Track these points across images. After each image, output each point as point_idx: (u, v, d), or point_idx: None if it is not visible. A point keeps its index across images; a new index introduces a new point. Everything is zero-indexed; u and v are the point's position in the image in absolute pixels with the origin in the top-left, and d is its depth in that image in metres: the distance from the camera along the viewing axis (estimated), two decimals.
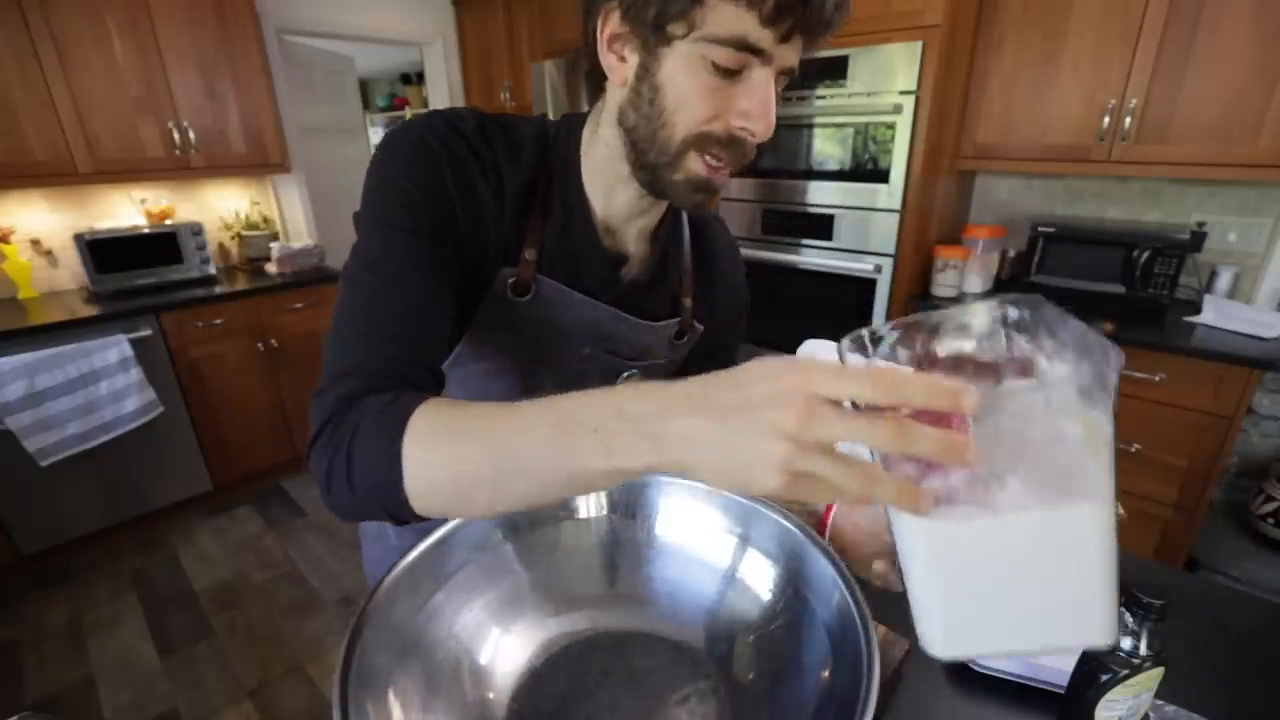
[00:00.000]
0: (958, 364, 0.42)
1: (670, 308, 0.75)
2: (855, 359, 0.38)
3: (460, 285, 0.61)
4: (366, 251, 0.56)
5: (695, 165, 0.56)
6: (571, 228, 0.65)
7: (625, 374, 0.75)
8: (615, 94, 0.57)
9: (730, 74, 0.51)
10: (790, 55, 0.51)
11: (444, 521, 0.59)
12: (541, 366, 0.71)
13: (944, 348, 0.43)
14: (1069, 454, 0.36)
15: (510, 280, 0.63)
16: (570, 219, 0.65)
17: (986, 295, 2.25)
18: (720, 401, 0.35)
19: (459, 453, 0.42)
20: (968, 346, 0.42)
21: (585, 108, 0.65)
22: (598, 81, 0.60)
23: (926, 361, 0.43)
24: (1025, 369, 0.43)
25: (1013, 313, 0.42)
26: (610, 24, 0.54)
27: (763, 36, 0.49)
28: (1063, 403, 0.38)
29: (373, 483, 0.45)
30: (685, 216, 0.75)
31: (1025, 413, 0.38)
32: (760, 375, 0.34)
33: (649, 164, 0.57)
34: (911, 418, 0.34)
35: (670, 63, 0.52)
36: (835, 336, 0.71)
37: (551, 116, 0.67)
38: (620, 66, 0.55)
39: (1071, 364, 0.38)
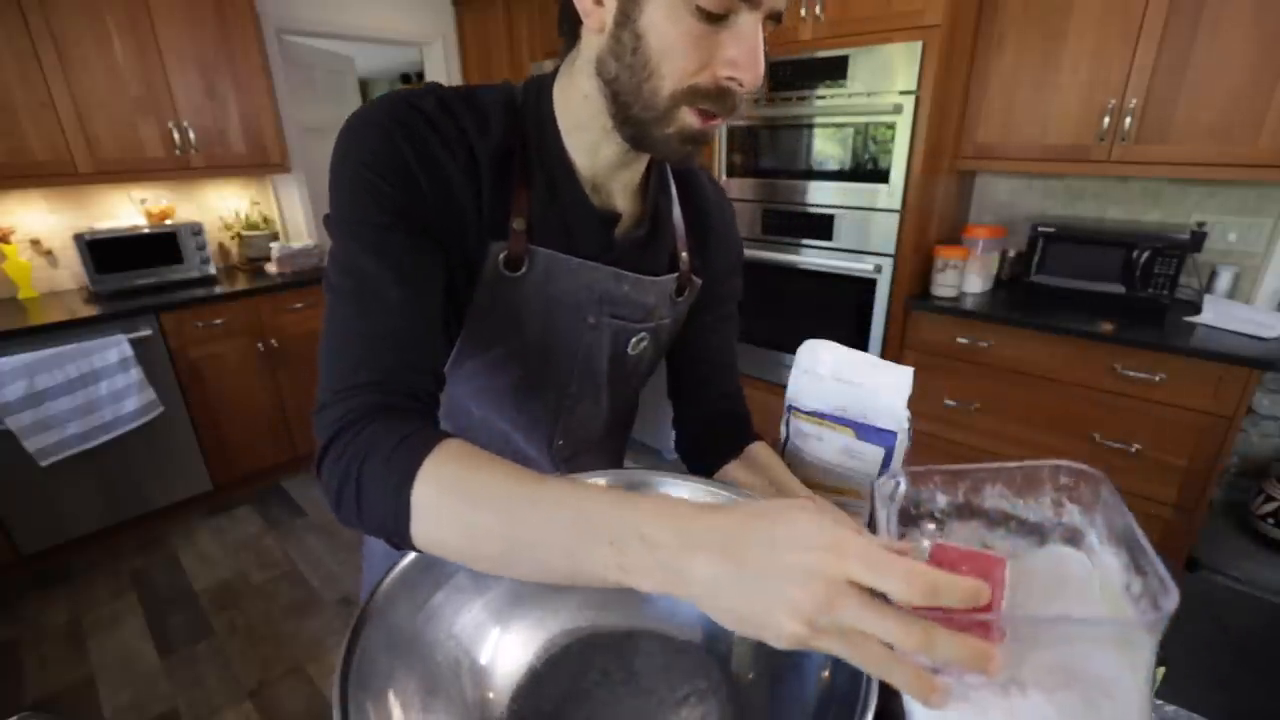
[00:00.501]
0: (1001, 519, 0.44)
1: (668, 263, 0.72)
2: (886, 514, 0.38)
3: (446, 271, 0.59)
4: (341, 255, 0.54)
5: (688, 118, 0.53)
6: (557, 191, 0.62)
7: (635, 338, 0.73)
8: (592, 40, 0.54)
9: (716, 19, 0.48)
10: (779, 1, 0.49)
11: None
12: (552, 343, 0.68)
13: (989, 500, 0.44)
14: (1104, 665, 0.34)
15: (501, 255, 0.60)
16: (555, 181, 0.61)
17: (986, 295, 2.25)
18: (749, 557, 0.34)
19: (471, 522, 0.43)
20: (1011, 506, 0.43)
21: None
22: (572, 27, 0.56)
23: (967, 510, 0.45)
24: (1072, 537, 0.43)
25: (1068, 479, 0.42)
26: None
27: None
28: (1107, 590, 0.38)
29: (380, 520, 0.46)
30: (669, 168, 0.72)
31: (1063, 607, 0.38)
32: (796, 540, 0.33)
33: (634, 118, 0.54)
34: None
35: (652, 8, 0.49)
36: (835, 336, 0.71)
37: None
38: (597, 10, 0.52)
39: (1124, 563, 0.37)
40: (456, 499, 0.43)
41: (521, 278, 0.62)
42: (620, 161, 0.62)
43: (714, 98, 0.51)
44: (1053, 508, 0.44)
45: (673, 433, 0.90)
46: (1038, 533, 0.44)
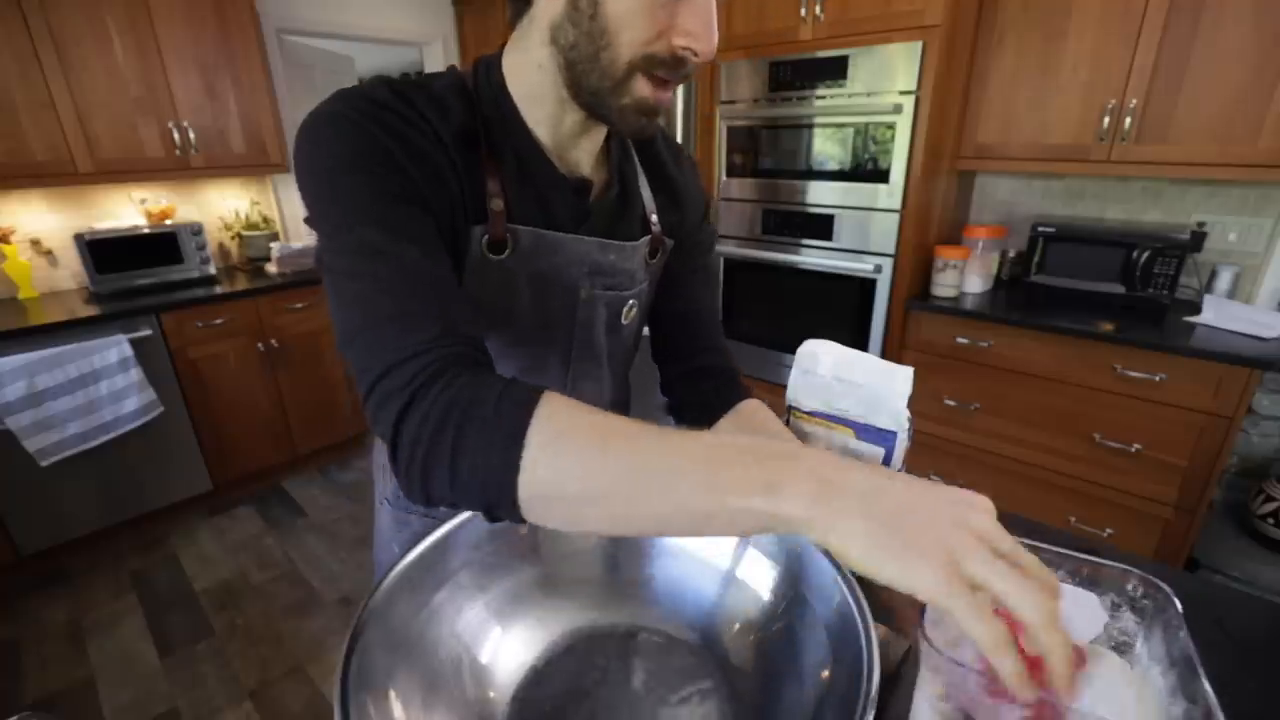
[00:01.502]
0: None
1: (641, 227, 0.73)
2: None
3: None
4: (344, 238, 0.49)
5: (642, 88, 0.53)
6: (528, 167, 0.61)
7: (626, 306, 0.73)
8: (547, 8, 0.54)
9: None
10: None
11: (445, 521, 0.59)
12: (549, 322, 0.68)
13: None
14: None
15: (484, 239, 0.60)
16: (523, 158, 0.61)
17: (986, 295, 2.25)
18: (902, 486, 0.34)
19: (595, 466, 0.38)
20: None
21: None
22: None
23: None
24: (1119, 645, 0.43)
25: (1135, 587, 0.42)
26: None
27: None
28: (1145, 705, 0.39)
29: (482, 485, 0.41)
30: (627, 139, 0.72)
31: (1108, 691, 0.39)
32: (945, 493, 0.35)
33: (591, 87, 0.54)
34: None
35: None
36: (835, 336, 0.71)
37: None
38: None
39: (1172, 685, 0.38)
40: (579, 439, 0.39)
41: (506, 258, 0.62)
42: (581, 129, 0.62)
43: (669, 65, 0.52)
44: (1109, 609, 0.44)
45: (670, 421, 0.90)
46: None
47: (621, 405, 0.88)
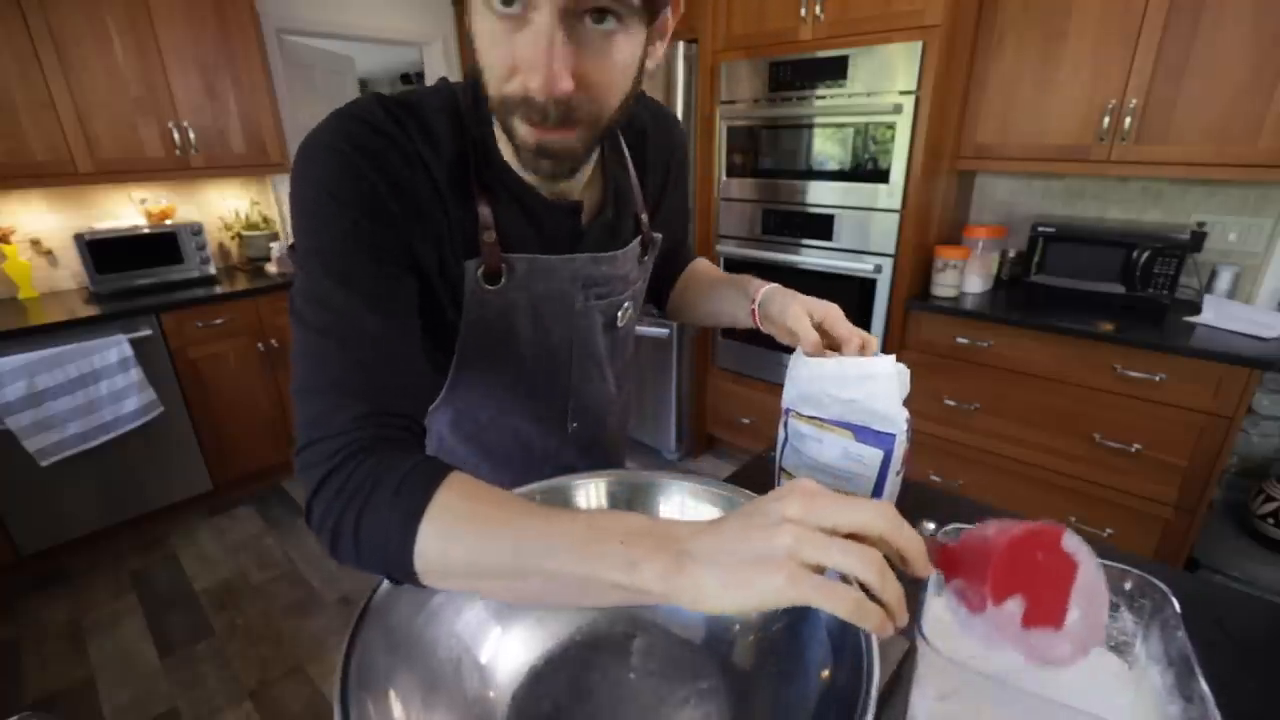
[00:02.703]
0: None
1: (631, 229, 0.73)
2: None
3: (424, 294, 0.58)
4: (312, 287, 0.51)
5: (521, 130, 0.50)
6: (517, 195, 0.61)
7: (620, 313, 0.75)
8: None
9: (515, 17, 0.45)
10: None
11: None
12: (547, 337, 0.69)
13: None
14: None
15: (479, 270, 0.60)
16: (511, 187, 0.60)
17: (986, 295, 2.25)
18: (730, 525, 0.38)
19: (481, 547, 0.42)
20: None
21: None
22: None
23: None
24: (1117, 645, 0.43)
25: (1134, 587, 0.43)
26: None
27: None
28: (1141, 704, 0.40)
29: (382, 558, 0.44)
30: (619, 134, 0.70)
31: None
32: (764, 503, 0.38)
33: (504, 132, 0.53)
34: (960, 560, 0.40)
35: (472, 16, 0.47)
36: None
37: None
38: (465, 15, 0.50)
39: (1170, 685, 0.39)
40: (467, 527, 0.42)
41: (502, 287, 0.62)
42: None
43: (523, 107, 0.48)
44: (1108, 609, 0.44)
45: (673, 433, 0.92)
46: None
47: (625, 403, 0.89)
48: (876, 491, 0.68)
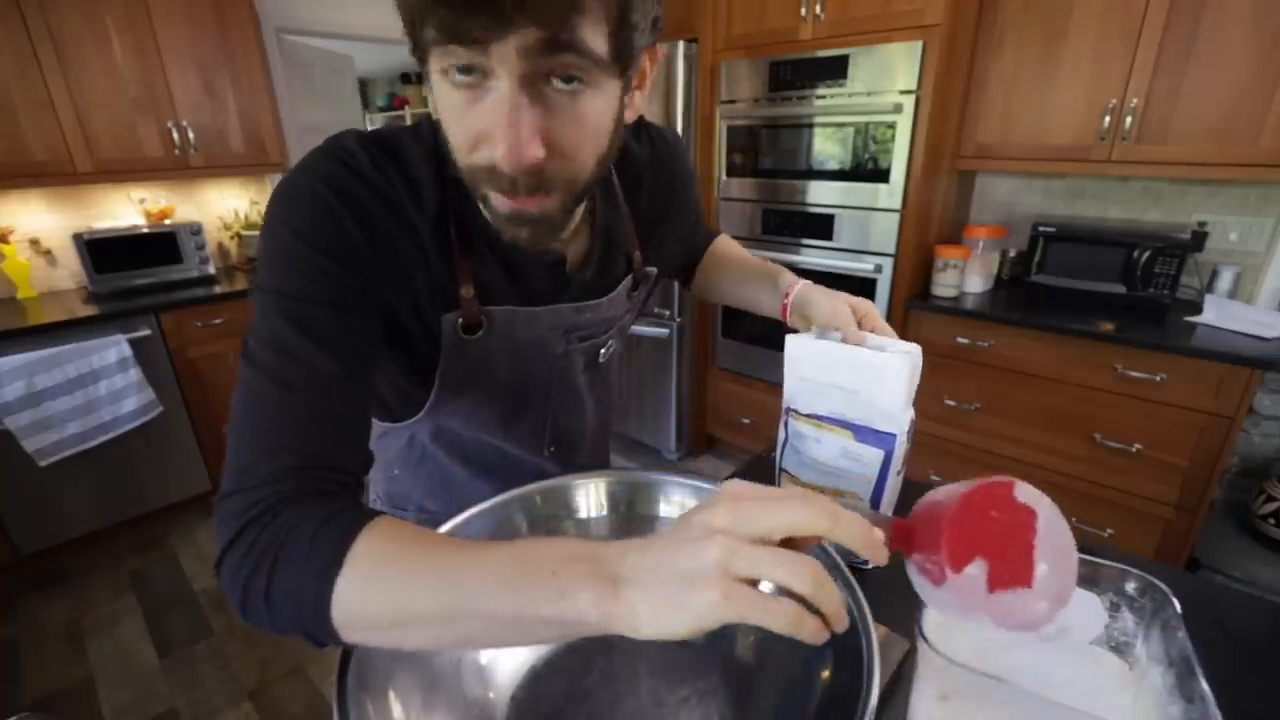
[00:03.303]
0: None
1: (621, 270, 0.71)
2: None
3: (400, 339, 0.57)
4: (267, 330, 0.48)
5: (494, 200, 0.48)
6: (498, 250, 0.59)
7: (603, 351, 0.74)
8: None
9: (475, 86, 0.43)
10: (523, 38, 0.39)
11: (445, 521, 0.59)
12: (525, 380, 0.69)
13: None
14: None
15: (458, 322, 0.59)
16: (493, 242, 0.58)
17: (987, 295, 2.25)
18: (659, 544, 0.36)
19: (405, 590, 0.39)
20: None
21: None
22: None
23: None
24: (1118, 646, 0.43)
25: (1134, 588, 0.42)
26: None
27: (424, 25, 0.42)
28: (1142, 705, 0.40)
29: (296, 615, 0.41)
30: (614, 173, 0.67)
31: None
32: (693, 516, 0.36)
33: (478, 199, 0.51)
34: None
35: (433, 88, 0.46)
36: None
37: None
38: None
39: (1170, 685, 0.39)
40: (391, 570, 0.40)
41: (481, 337, 0.61)
42: None
43: (490, 178, 0.46)
44: (1108, 609, 0.45)
45: (673, 433, 0.92)
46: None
47: (605, 419, 0.88)
48: (876, 492, 0.67)
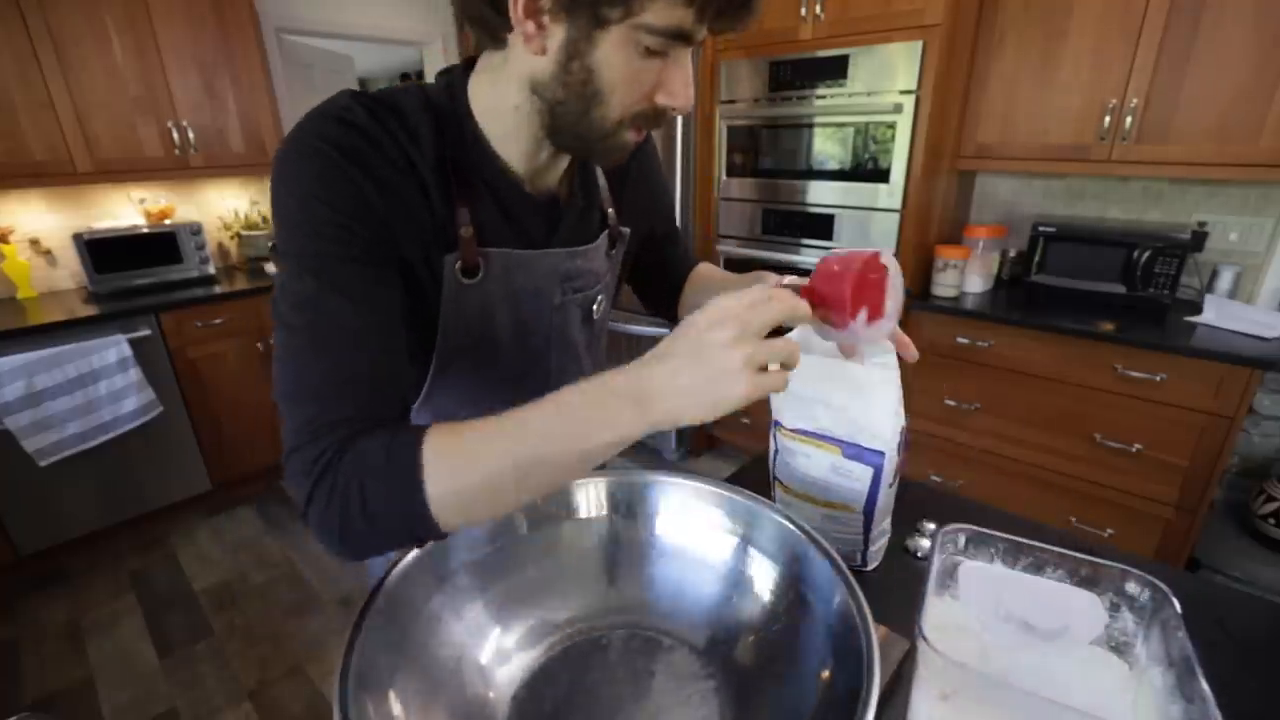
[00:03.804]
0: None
1: (601, 223, 0.76)
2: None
3: (410, 291, 0.59)
4: (295, 289, 0.52)
5: (627, 136, 0.58)
6: (497, 192, 0.63)
7: (595, 307, 0.77)
8: (528, 60, 0.54)
9: (657, 54, 0.53)
10: (706, 31, 0.53)
11: None
12: (525, 330, 0.71)
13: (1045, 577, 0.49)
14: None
15: (456, 264, 0.61)
16: (492, 184, 0.63)
17: (987, 295, 2.24)
18: (687, 341, 0.44)
19: (485, 460, 0.46)
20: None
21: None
22: (493, 30, 0.55)
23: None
24: (1118, 646, 0.44)
25: (1135, 588, 0.43)
26: (557, 12, 0.50)
27: (696, 25, 0.51)
28: (1143, 705, 0.40)
29: (399, 521, 0.46)
30: None
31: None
32: (703, 315, 0.45)
33: (578, 135, 0.58)
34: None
35: (605, 46, 0.51)
36: None
37: None
38: (538, 35, 0.52)
39: (1170, 686, 0.39)
40: (466, 458, 0.46)
41: (480, 281, 0.63)
42: (553, 158, 0.65)
43: (652, 118, 0.58)
44: (1108, 609, 0.45)
45: (673, 433, 0.92)
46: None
47: None
48: (869, 505, 0.66)
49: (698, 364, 0.43)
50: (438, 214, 0.60)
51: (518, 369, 0.73)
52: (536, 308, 0.70)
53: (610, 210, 0.76)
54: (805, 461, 0.68)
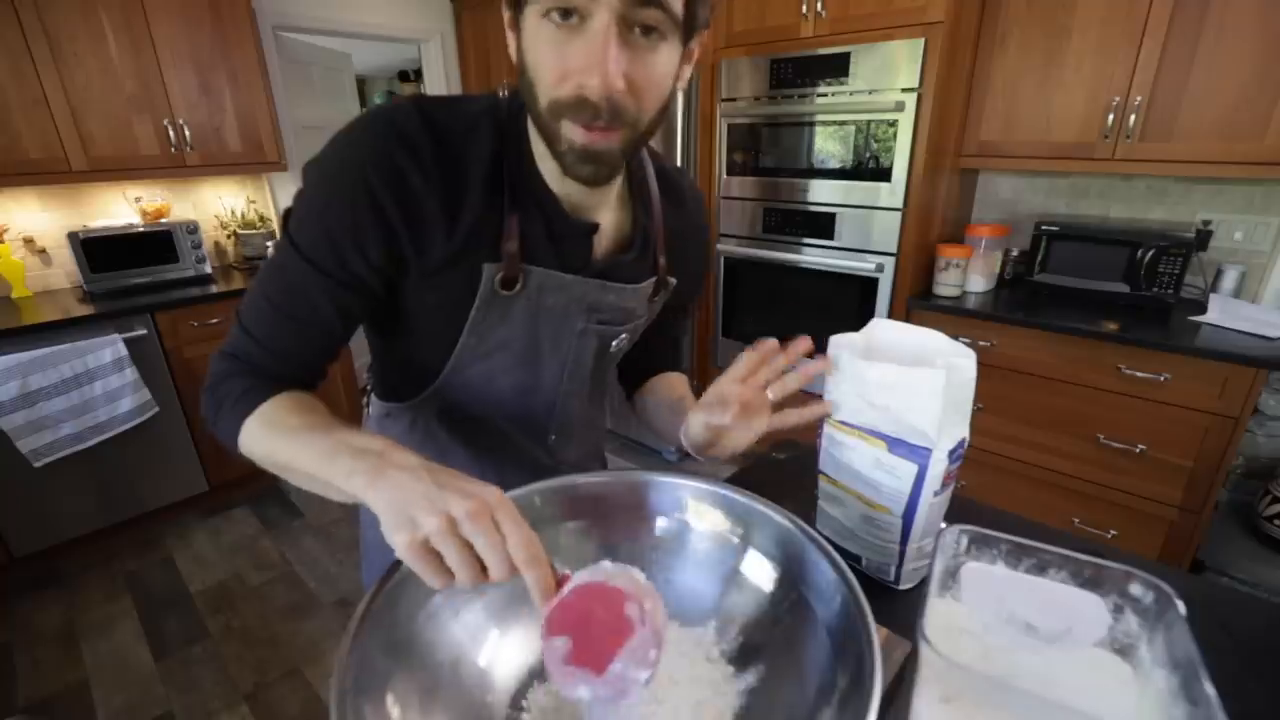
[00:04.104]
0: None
1: (649, 267, 0.75)
2: None
3: (435, 294, 0.64)
4: (275, 255, 0.61)
5: (571, 132, 0.54)
6: (543, 211, 0.64)
7: (615, 343, 0.77)
8: None
9: (568, 22, 0.49)
10: (619, 3, 0.48)
11: None
12: (543, 348, 0.72)
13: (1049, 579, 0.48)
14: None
15: (498, 276, 0.63)
16: (538, 202, 0.64)
17: (989, 294, 2.24)
18: (430, 481, 0.45)
19: (268, 448, 0.57)
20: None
21: None
22: None
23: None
24: (1122, 648, 0.43)
25: (1139, 590, 0.42)
26: (505, 9, 0.55)
27: None
28: (1146, 708, 0.40)
29: (224, 439, 0.61)
30: (650, 171, 0.74)
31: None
32: (450, 484, 0.45)
33: (544, 140, 0.57)
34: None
35: (525, 30, 0.52)
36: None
37: None
38: (512, 37, 0.55)
39: (1175, 689, 0.39)
40: (263, 433, 0.58)
41: (515, 294, 0.65)
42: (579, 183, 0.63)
43: (574, 108, 0.52)
44: (1111, 611, 0.44)
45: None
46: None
47: (590, 423, 0.91)
48: (909, 510, 0.64)
49: (418, 494, 0.44)
50: (482, 222, 0.61)
51: (529, 383, 0.74)
52: (559, 329, 0.71)
53: (662, 259, 0.76)
54: (850, 454, 0.68)
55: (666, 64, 0.54)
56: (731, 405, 0.65)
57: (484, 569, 0.43)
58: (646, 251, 0.74)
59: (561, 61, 0.51)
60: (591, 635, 0.44)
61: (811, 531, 0.56)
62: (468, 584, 0.43)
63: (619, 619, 0.44)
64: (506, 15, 0.55)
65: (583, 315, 0.71)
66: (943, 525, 0.61)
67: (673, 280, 0.79)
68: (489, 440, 0.79)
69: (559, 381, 0.76)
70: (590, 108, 0.51)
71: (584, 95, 0.51)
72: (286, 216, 0.60)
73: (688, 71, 0.59)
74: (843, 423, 0.68)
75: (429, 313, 0.66)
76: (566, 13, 0.49)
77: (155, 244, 2.50)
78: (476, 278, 0.63)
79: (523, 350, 0.71)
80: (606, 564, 0.47)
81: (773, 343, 0.67)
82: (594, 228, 0.68)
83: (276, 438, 0.57)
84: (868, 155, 2.16)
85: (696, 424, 0.70)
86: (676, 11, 0.51)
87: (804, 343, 0.66)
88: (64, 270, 2.55)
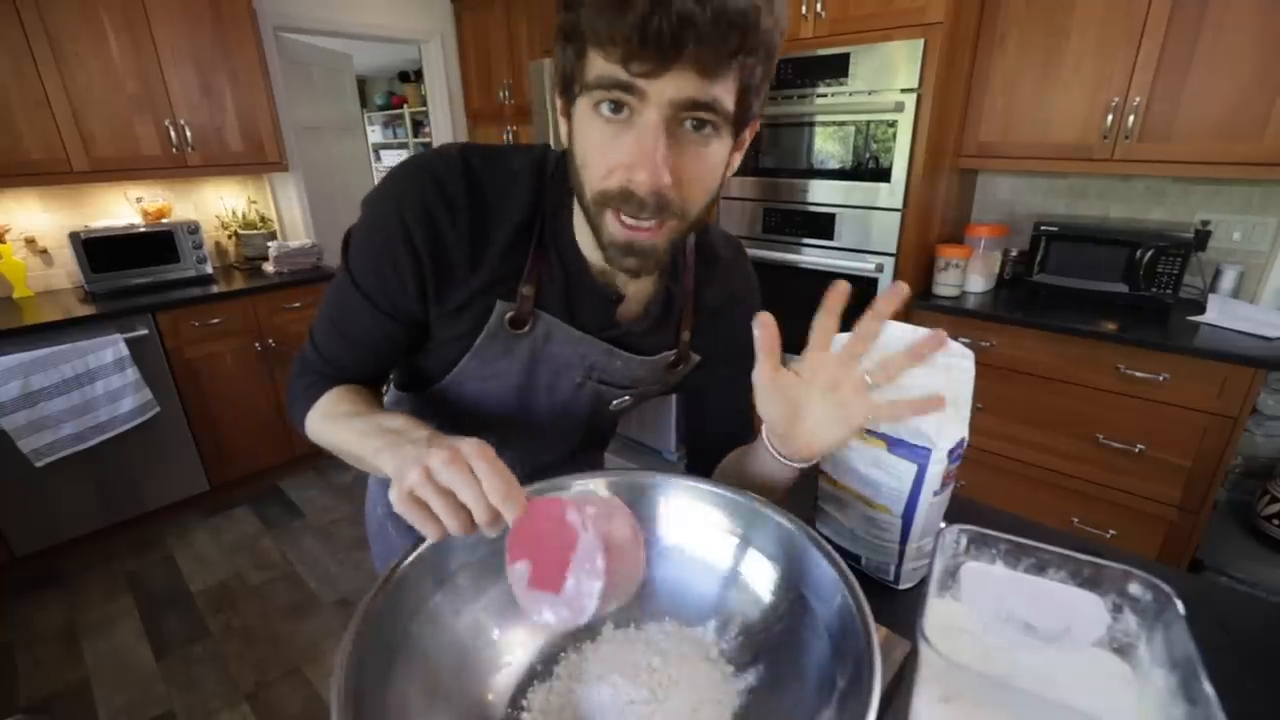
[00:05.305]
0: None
1: (671, 341, 0.75)
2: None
3: (450, 322, 0.67)
4: (337, 278, 0.67)
5: (611, 226, 0.54)
6: (567, 267, 0.65)
7: (615, 402, 0.77)
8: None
9: (622, 122, 0.49)
10: (677, 87, 0.47)
11: None
12: (535, 391, 0.72)
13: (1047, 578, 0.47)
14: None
15: (508, 315, 0.65)
16: (565, 258, 0.65)
17: (989, 294, 2.24)
18: (427, 442, 0.49)
19: (324, 434, 0.66)
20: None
21: None
22: None
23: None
24: (1121, 648, 0.43)
25: (1137, 590, 0.42)
26: (558, 96, 0.56)
27: (629, 70, 0.46)
28: (1145, 707, 0.40)
29: (297, 428, 0.70)
30: (690, 242, 0.72)
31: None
32: (433, 444, 0.48)
33: (590, 228, 0.57)
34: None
35: (576, 118, 0.53)
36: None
37: (550, 116, 0.67)
38: (563, 106, 0.56)
39: (1174, 688, 0.39)
40: (319, 421, 0.67)
41: (522, 335, 0.67)
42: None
43: (620, 200, 0.52)
44: (1110, 610, 0.44)
45: (674, 433, 0.92)
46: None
47: (589, 461, 0.92)
48: (909, 510, 0.65)
49: (407, 454, 0.48)
50: (504, 267, 0.64)
51: (520, 417, 0.75)
52: (557, 376, 0.72)
53: (685, 335, 0.75)
54: (850, 454, 0.68)
55: (716, 157, 0.53)
56: (810, 361, 0.59)
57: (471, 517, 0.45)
58: (667, 324, 0.73)
59: (610, 155, 0.51)
60: (546, 554, 0.45)
61: (811, 531, 0.56)
62: (456, 530, 0.44)
63: (563, 528, 0.45)
64: (560, 103, 0.55)
65: (582, 371, 0.72)
66: (942, 525, 0.61)
67: (695, 357, 0.77)
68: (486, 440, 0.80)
69: (548, 424, 0.77)
70: (636, 201, 0.51)
71: (630, 189, 0.51)
72: (346, 242, 0.65)
73: (738, 159, 0.59)
74: None
75: (441, 337, 0.69)
76: (618, 107, 0.49)
77: (156, 244, 2.50)
78: (490, 313, 0.65)
79: (518, 386, 0.72)
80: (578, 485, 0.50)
81: (844, 285, 0.58)
82: (619, 298, 0.68)
83: (329, 425, 0.64)
84: (867, 155, 2.16)
85: (765, 401, 0.61)
86: (728, 109, 0.50)
87: (900, 288, 0.60)
88: (65, 270, 2.55)
